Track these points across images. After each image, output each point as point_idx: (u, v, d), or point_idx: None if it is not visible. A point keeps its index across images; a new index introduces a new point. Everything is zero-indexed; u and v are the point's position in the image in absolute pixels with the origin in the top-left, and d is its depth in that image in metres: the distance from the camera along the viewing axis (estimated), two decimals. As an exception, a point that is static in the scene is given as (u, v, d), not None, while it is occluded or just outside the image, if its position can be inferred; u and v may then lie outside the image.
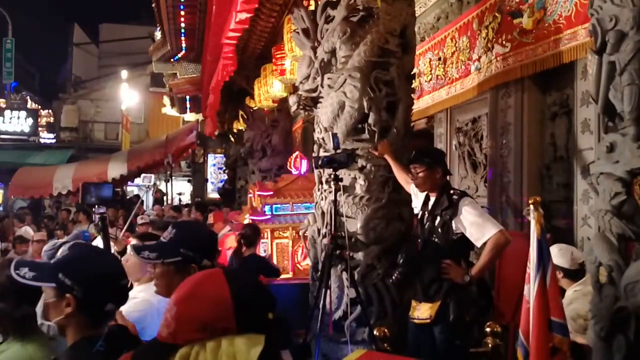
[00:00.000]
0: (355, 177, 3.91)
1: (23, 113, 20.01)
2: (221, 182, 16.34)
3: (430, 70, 5.44)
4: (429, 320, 3.17)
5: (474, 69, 4.64)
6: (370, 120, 3.85)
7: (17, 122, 19.99)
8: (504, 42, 4.19)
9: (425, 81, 5.53)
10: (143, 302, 2.41)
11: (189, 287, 1.18)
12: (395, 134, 3.90)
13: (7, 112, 19.75)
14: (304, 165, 6.38)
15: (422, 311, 3.23)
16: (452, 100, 5.03)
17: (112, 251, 3.48)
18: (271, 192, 5.86)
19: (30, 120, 20.13)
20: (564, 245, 3.27)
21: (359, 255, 3.81)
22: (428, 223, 3.27)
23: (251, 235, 5.04)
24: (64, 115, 21.40)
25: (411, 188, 3.58)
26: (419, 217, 3.42)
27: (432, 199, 3.33)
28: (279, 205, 5.84)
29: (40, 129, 20.73)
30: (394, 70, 3.89)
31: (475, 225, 3.08)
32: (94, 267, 1.61)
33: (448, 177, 3.42)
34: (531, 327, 2.43)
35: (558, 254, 3.10)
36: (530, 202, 2.53)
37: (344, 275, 3.73)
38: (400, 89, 3.92)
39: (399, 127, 3.92)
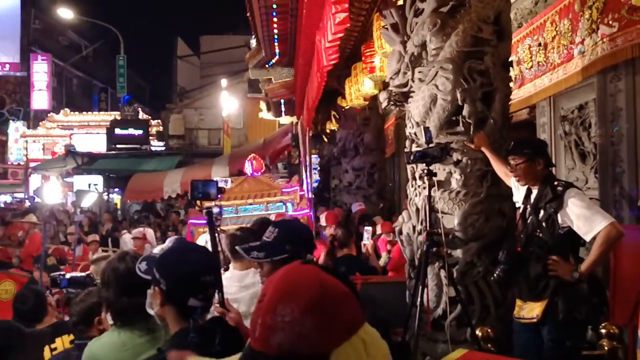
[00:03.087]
0: (451, 172, 3.79)
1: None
2: (316, 182, 16.60)
3: (531, 57, 5.16)
4: (535, 320, 3.01)
5: (577, 53, 4.34)
6: (465, 112, 3.72)
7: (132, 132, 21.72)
8: (610, 22, 3.88)
9: (526, 69, 5.25)
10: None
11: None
12: (493, 125, 3.73)
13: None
14: (249, 168, 6.16)
15: (528, 310, 3.07)
16: (555, 87, 4.73)
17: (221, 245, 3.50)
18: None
19: (142, 130, 21.74)
20: None
21: (457, 253, 3.69)
22: (531, 217, 3.10)
23: (343, 237, 5.11)
24: (171, 124, 22.90)
25: (511, 181, 3.41)
26: (521, 211, 3.26)
27: (535, 192, 3.15)
28: (224, 208, 5.60)
29: (150, 137, 22.33)
30: (488, 58, 3.72)
31: (583, 218, 2.87)
32: (177, 263, 1.69)
33: (551, 169, 3.23)
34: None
35: None
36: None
37: (442, 273, 3.64)
38: (496, 78, 3.75)
39: (496, 118, 3.75)
